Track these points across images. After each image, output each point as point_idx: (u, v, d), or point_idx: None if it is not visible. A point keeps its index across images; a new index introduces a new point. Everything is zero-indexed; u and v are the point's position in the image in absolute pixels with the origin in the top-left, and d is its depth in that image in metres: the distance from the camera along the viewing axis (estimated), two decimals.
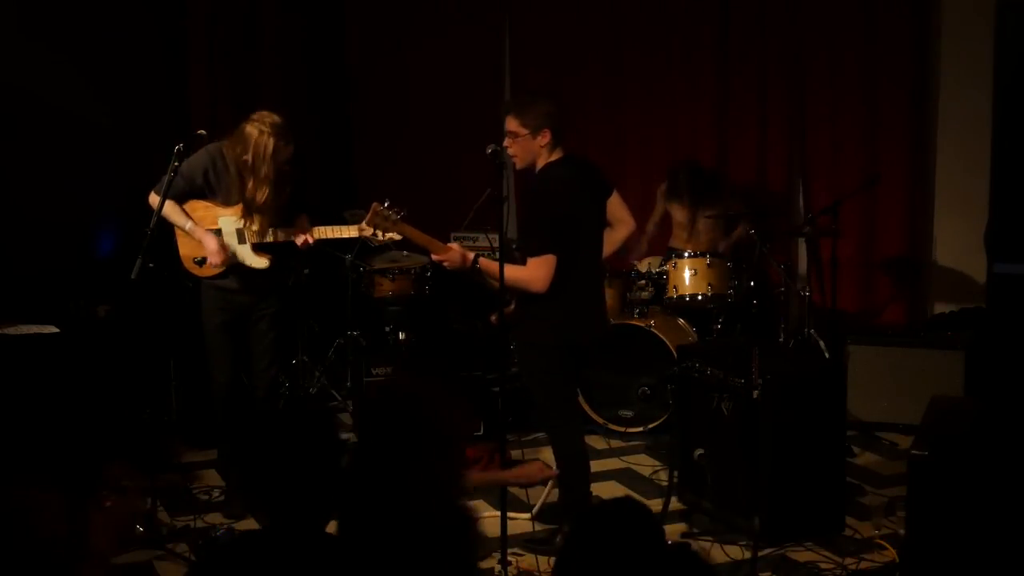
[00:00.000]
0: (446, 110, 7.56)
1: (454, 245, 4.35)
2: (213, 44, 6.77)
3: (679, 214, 6.43)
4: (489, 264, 4.25)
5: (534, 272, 4.19)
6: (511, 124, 4.29)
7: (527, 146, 4.29)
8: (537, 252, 4.19)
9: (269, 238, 4.63)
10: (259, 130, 4.44)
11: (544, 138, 4.27)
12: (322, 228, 4.63)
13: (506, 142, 4.31)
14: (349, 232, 4.59)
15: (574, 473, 4.46)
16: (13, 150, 5.75)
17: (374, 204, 4.29)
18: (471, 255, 4.29)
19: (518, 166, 4.38)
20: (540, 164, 4.32)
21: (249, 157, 4.45)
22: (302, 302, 6.42)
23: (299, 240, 4.62)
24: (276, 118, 4.50)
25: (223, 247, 4.61)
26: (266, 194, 4.50)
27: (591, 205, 4.39)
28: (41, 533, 2.10)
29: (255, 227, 4.61)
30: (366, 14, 7.72)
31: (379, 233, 4.42)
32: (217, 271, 4.68)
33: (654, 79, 7.01)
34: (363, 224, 4.47)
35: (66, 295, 5.60)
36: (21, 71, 5.76)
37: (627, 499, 2.16)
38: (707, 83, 6.83)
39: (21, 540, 2.06)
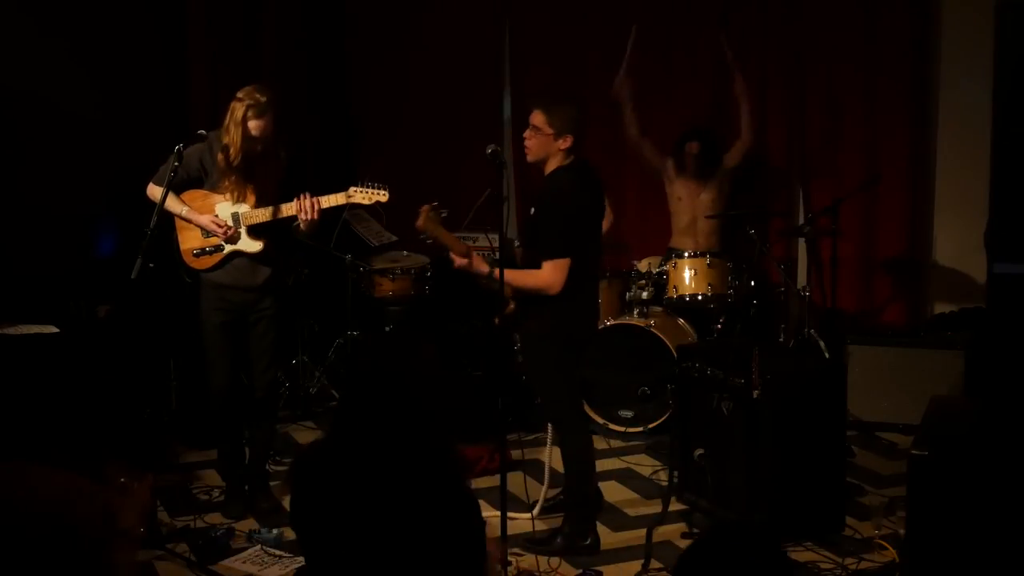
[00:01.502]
0: (446, 110, 7.56)
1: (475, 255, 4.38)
2: (213, 44, 6.77)
3: (681, 189, 6.38)
4: (506, 273, 4.25)
5: (550, 277, 4.25)
6: (537, 118, 4.33)
7: (545, 144, 4.33)
8: (551, 255, 4.24)
9: (261, 217, 4.62)
10: (237, 98, 4.53)
11: (566, 143, 4.31)
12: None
13: (526, 133, 4.37)
14: (336, 200, 4.59)
15: (581, 470, 4.50)
16: (13, 150, 5.75)
17: (424, 207, 4.34)
18: (487, 268, 4.32)
19: (529, 159, 4.42)
20: (552, 166, 4.36)
21: (227, 120, 4.53)
22: (302, 302, 6.42)
23: (303, 215, 4.54)
24: (255, 91, 4.55)
25: (220, 220, 4.63)
26: (237, 154, 4.53)
27: (595, 207, 4.47)
28: (77, 517, 2.09)
29: (247, 206, 4.62)
30: (366, 14, 7.72)
31: (364, 199, 4.52)
32: (216, 258, 4.68)
33: (654, 78, 7.00)
34: (350, 191, 4.55)
35: (66, 295, 5.60)
36: (21, 71, 5.76)
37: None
38: (707, 82, 6.82)
39: (56, 526, 2.05)
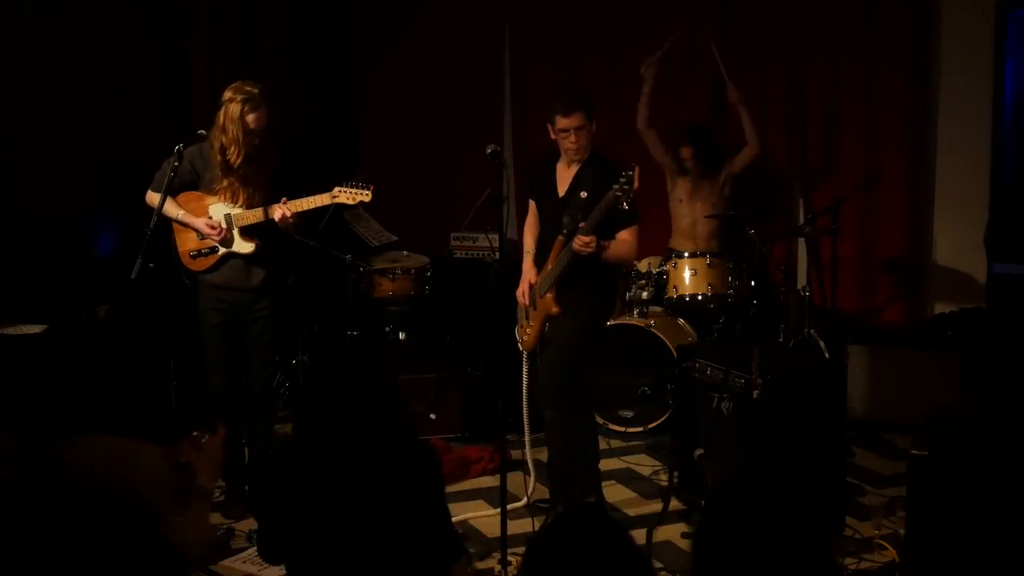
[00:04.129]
0: (446, 109, 7.56)
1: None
2: (213, 44, 6.77)
3: (682, 191, 6.37)
4: (611, 248, 4.48)
5: (635, 242, 4.57)
6: (578, 119, 4.49)
7: (590, 136, 4.55)
8: (630, 223, 4.51)
9: (252, 218, 4.64)
10: (228, 96, 4.56)
11: (595, 124, 4.56)
12: (296, 201, 4.63)
13: (572, 138, 4.50)
14: (321, 200, 4.62)
15: (587, 446, 4.70)
16: (13, 150, 5.75)
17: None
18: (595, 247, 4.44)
19: (579, 157, 4.58)
20: (589, 150, 4.58)
21: (221, 119, 4.55)
22: (302, 302, 6.42)
23: (276, 215, 4.59)
24: (244, 84, 4.59)
25: (213, 222, 4.66)
26: (236, 155, 4.55)
27: None
28: (143, 482, 2.16)
29: (240, 207, 4.64)
30: (366, 14, 7.72)
31: (348, 199, 4.57)
32: (211, 260, 4.71)
33: (654, 78, 6.99)
34: (334, 191, 4.58)
35: (66, 295, 5.60)
36: (20, 71, 5.75)
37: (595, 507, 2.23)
38: (707, 82, 6.82)
39: (125, 491, 2.11)
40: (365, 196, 4.58)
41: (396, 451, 2.65)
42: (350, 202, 4.61)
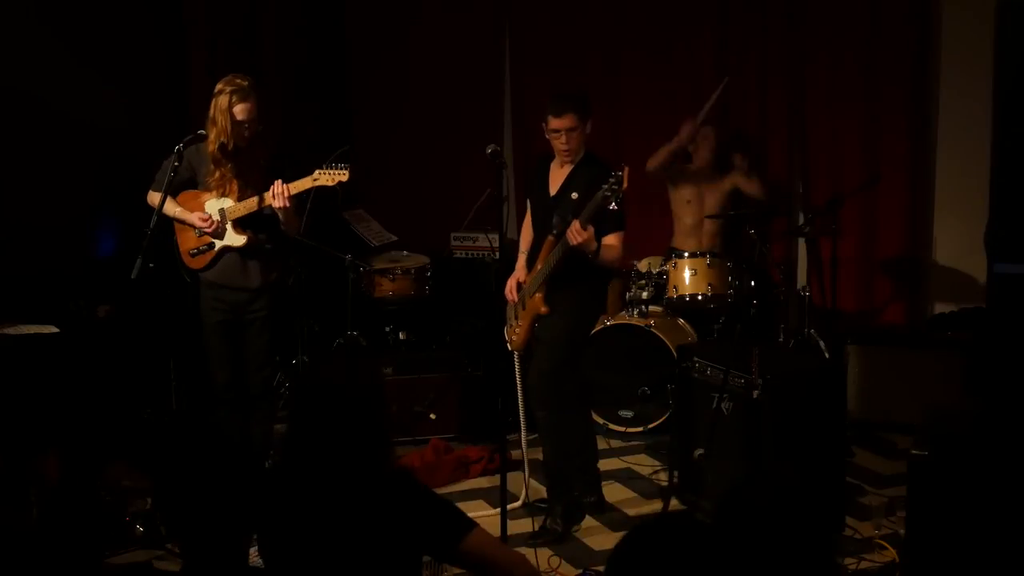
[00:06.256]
0: (446, 109, 7.56)
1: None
2: (213, 44, 6.77)
3: (689, 191, 6.37)
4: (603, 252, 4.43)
5: (618, 247, 4.47)
6: (569, 120, 4.44)
7: (582, 137, 4.50)
8: (618, 228, 4.44)
9: (243, 210, 4.67)
10: (219, 88, 4.62)
11: (590, 126, 4.51)
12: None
13: (563, 139, 4.47)
14: (304, 184, 4.64)
15: (584, 444, 4.70)
16: (13, 150, 5.75)
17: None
18: (595, 245, 4.36)
19: (571, 159, 4.54)
20: (582, 151, 4.53)
21: (212, 111, 4.60)
22: (302, 302, 6.42)
23: (275, 202, 4.59)
24: (235, 77, 4.64)
25: (205, 215, 4.69)
26: (229, 141, 4.59)
27: None
28: None
29: (231, 201, 4.67)
30: (366, 13, 7.72)
31: (328, 180, 4.60)
32: (208, 256, 4.74)
33: (654, 79, 7.00)
34: (315, 174, 4.62)
35: (66, 295, 5.60)
36: (21, 71, 5.76)
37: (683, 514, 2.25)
38: (707, 83, 6.82)
39: None
40: (343, 175, 4.62)
41: (376, 482, 2.61)
42: (330, 183, 4.65)
